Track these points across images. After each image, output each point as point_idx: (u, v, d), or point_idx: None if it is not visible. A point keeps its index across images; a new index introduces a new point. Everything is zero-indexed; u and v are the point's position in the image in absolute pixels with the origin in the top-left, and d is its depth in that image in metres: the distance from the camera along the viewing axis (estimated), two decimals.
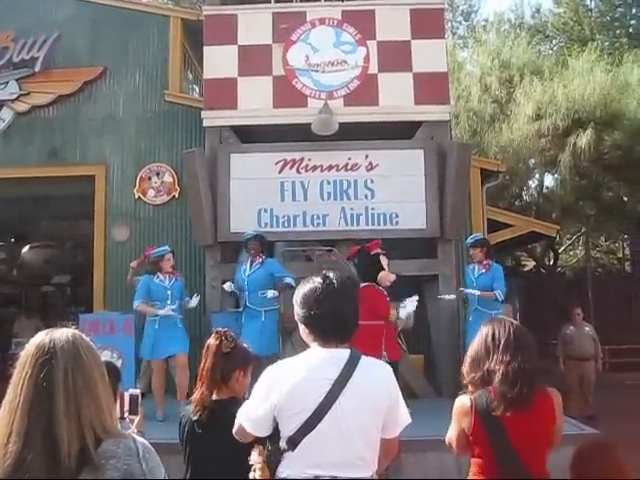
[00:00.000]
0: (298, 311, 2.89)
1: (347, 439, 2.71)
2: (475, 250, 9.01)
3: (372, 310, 8.01)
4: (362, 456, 2.75)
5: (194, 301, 8.69)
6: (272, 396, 2.74)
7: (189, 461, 3.73)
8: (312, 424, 2.69)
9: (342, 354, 2.79)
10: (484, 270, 8.87)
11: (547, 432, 3.06)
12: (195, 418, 3.69)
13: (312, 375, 2.74)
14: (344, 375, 2.72)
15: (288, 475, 2.75)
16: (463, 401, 3.15)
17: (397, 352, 8.15)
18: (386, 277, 8.17)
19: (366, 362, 2.82)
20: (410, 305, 7.96)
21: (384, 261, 8.21)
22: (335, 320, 2.82)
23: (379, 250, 8.27)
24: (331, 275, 2.89)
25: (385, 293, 8.15)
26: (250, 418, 2.82)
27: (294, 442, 2.72)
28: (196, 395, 3.70)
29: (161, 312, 8.18)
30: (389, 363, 7.50)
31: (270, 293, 8.56)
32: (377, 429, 2.80)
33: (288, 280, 8.49)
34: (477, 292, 8.73)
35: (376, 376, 2.84)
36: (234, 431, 2.91)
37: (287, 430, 2.74)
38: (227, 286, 8.94)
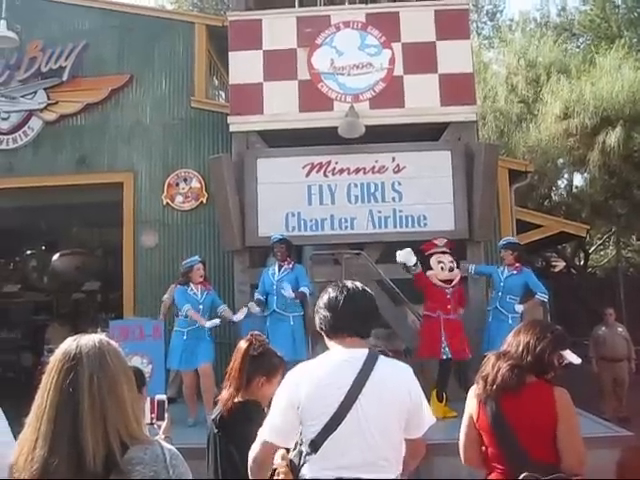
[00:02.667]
0: (318, 318, 2.99)
1: (369, 440, 2.73)
2: (506, 252, 8.92)
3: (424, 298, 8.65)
4: (385, 456, 2.77)
5: (239, 315, 8.61)
6: (294, 399, 2.78)
7: (209, 461, 3.75)
8: (333, 426, 2.72)
9: (360, 354, 2.84)
10: (515, 272, 8.82)
11: (548, 428, 3.11)
12: (213, 417, 3.73)
13: (331, 377, 2.79)
14: (362, 376, 2.77)
15: (315, 476, 2.78)
16: (473, 389, 3.34)
17: (462, 350, 8.44)
18: (434, 275, 8.59)
19: (384, 362, 2.87)
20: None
21: (436, 260, 8.58)
22: (353, 321, 2.91)
23: (433, 250, 8.68)
24: (348, 284, 3.01)
25: (446, 291, 8.57)
26: (274, 427, 2.83)
27: (316, 445, 2.75)
28: (224, 394, 3.72)
29: (208, 324, 8.25)
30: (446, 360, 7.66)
31: (287, 291, 8.54)
32: (399, 429, 2.83)
33: (302, 289, 8.59)
34: (520, 307, 8.68)
35: (395, 375, 2.88)
36: (251, 458, 2.89)
37: (309, 433, 2.77)
38: (253, 309, 8.80)
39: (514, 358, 3.22)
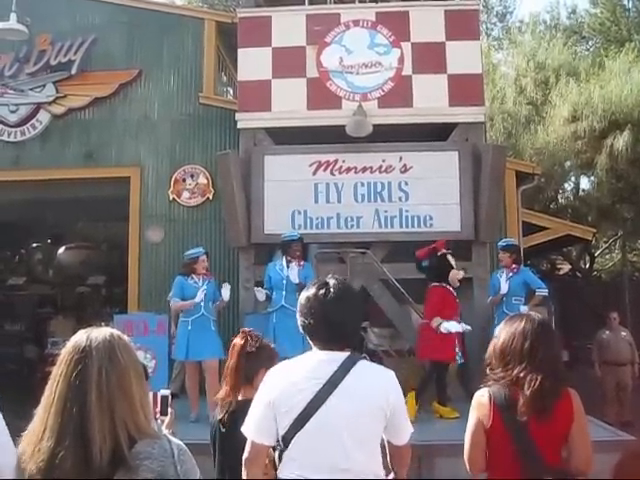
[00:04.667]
0: (298, 318, 2.91)
1: (338, 440, 2.70)
2: (504, 254, 8.92)
3: (440, 310, 8.25)
4: (356, 459, 2.72)
5: (225, 292, 8.47)
6: (269, 394, 2.77)
7: (216, 461, 3.74)
8: (302, 421, 2.70)
9: (339, 356, 2.80)
10: (512, 273, 8.82)
11: (564, 431, 3.07)
12: (219, 417, 3.72)
13: (307, 374, 2.77)
14: (337, 376, 2.73)
15: (283, 476, 2.77)
16: (481, 393, 3.17)
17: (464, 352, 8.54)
18: (455, 276, 8.50)
19: (364, 365, 2.83)
20: (453, 327, 8.20)
21: (452, 260, 8.54)
22: (328, 328, 2.83)
23: (444, 250, 8.58)
24: (329, 282, 2.89)
25: (454, 294, 8.45)
26: (254, 424, 2.81)
27: (286, 441, 2.74)
28: (221, 394, 3.74)
29: (197, 298, 8.17)
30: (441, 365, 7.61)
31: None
32: (374, 433, 2.80)
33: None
34: (525, 309, 8.38)
35: (374, 380, 2.83)
36: (244, 458, 2.84)
37: (281, 428, 2.75)
38: (260, 295, 8.83)
39: (540, 370, 3.07)
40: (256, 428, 2.79)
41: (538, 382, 3.03)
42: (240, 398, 3.66)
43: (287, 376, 2.80)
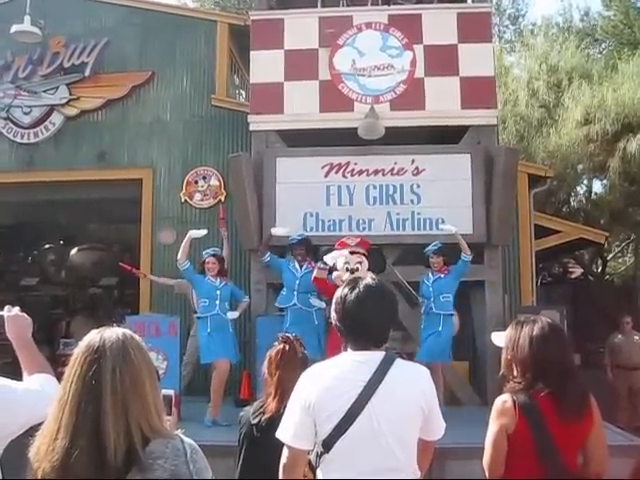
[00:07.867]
0: (332, 316, 2.91)
1: (381, 441, 2.68)
2: (438, 258, 8.72)
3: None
4: (398, 459, 2.71)
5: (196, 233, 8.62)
6: (307, 399, 2.72)
7: (243, 463, 3.71)
8: (345, 426, 2.66)
9: (375, 356, 2.77)
10: (442, 276, 8.67)
11: (585, 436, 3.08)
12: (254, 422, 3.69)
13: (344, 377, 2.73)
14: (376, 377, 2.70)
15: (324, 477, 2.75)
16: (504, 399, 3.12)
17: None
18: (337, 278, 7.90)
19: (401, 364, 2.80)
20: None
21: (342, 260, 8.04)
22: (362, 327, 2.80)
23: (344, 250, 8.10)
24: (361, 282, 2.86)
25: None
26: (291, 430, 2.75)
27: (328, 445, 2.70)
28: (274, 404, 3.66)
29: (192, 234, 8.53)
30: None
31: (316, 302, 8.54)
32: (413, 431, 2.78)
33: None
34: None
35: (410, 377, 2.82)
36: (282, 463, 2.78)
37: (322, 433, 2.71)
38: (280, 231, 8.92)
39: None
40: (294, 433, 2.73)
41: (575, 387, 3.05)
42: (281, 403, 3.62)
43: (324, 380, 2.75)
